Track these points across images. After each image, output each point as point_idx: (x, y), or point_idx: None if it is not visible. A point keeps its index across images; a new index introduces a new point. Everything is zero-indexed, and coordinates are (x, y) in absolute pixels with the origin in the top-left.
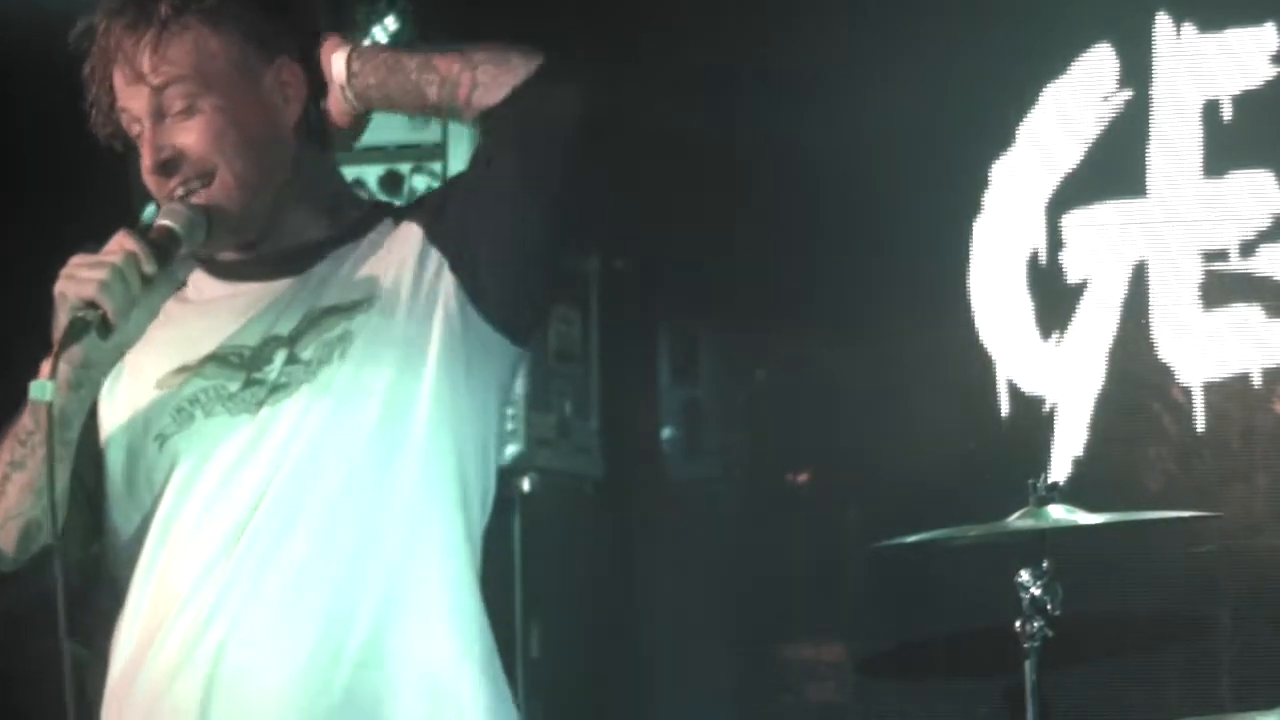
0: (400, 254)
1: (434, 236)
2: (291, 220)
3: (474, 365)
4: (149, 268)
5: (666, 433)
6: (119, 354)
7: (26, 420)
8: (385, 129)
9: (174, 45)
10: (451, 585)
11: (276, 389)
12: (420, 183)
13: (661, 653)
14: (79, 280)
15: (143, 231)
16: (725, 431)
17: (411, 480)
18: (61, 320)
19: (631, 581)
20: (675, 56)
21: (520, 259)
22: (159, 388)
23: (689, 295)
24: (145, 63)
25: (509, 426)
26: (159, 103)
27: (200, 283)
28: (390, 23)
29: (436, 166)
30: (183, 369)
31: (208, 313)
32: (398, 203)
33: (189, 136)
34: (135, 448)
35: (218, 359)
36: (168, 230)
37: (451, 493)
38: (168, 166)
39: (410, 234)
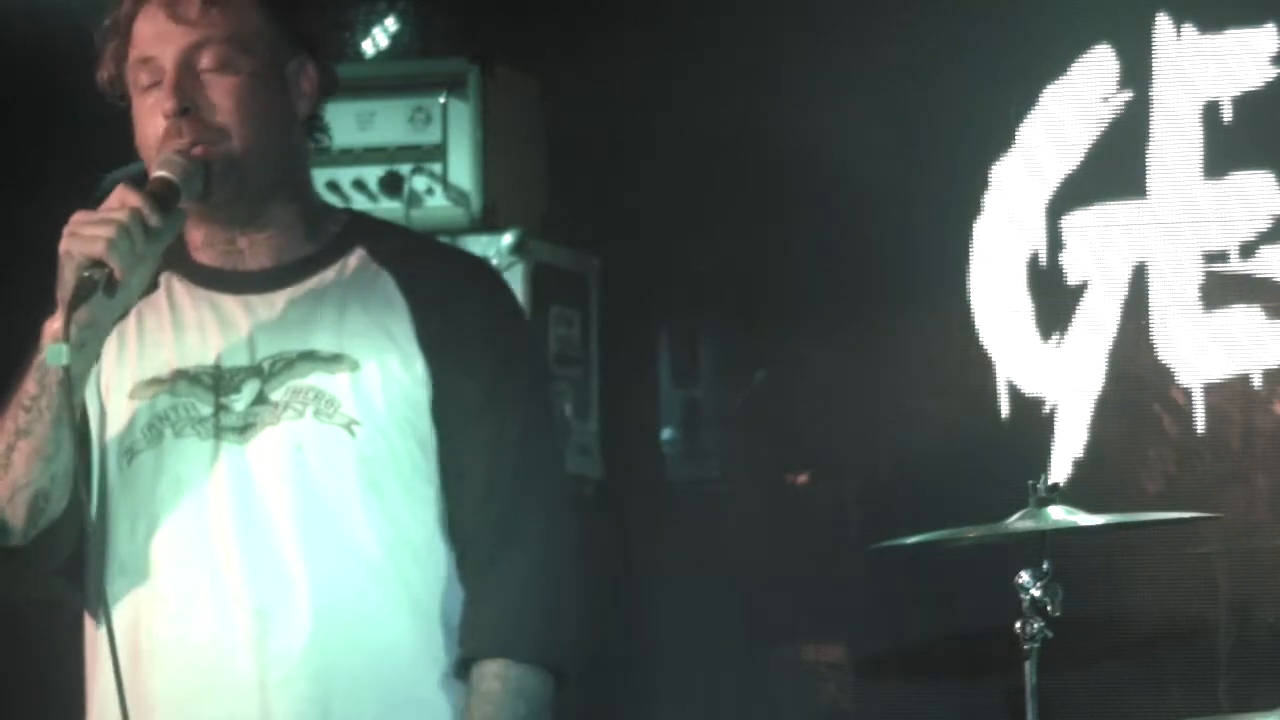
0: (385, 329)
1: (428, 353)
2: (279, 219)
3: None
4: (154, 220)
5: (666, 433)
6: (121, 311)
7: (30, 386)
8: (385, 129)
9: (224, 4)
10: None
11: (245, 428)
12: (420, 183)
13: (661, 653)
14: (85, 239)
15: (140, 184)
16: (725, 432)
17: (380, 539)
18: (68, 279)
19: (631, 582)
20: (675, 58)
21: None
22: (132, 398)
23: (689, 295)
24: (192, 10)
25: None
26: (193, 54)
27: (175, 288)
28: (390, 24)
29: (436, 167)
30: (155, 381)
31: (182, 324)
32: (396, 203)
33: (215, 93)
34: (105, 461)
35: (189, 377)
36: (165, 181)
37: (427, 549)
38: (187, 113)
39: (396, 317)
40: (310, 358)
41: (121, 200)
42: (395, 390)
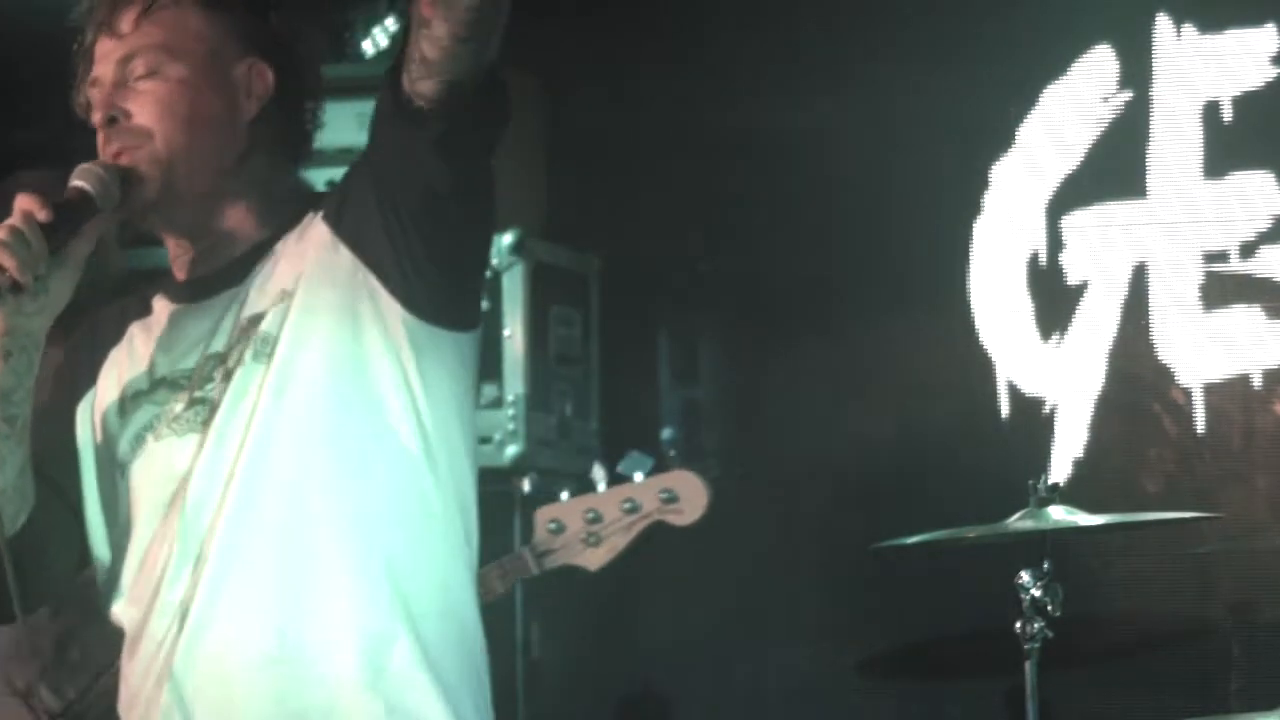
0: (314, 249)
1: (340, 230)
2: (229, 219)
3: (419, 358)
4: (43, 215)
5: (666, 433)
6: (47, 319)
7: None
8: None
9: (158, 15)
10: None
11: (218, 406)
12: None
13: (661, 653)
14: None
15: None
16: (725, 431)
17: (366, 481)
18: None
19: (632, 581)
20: (675, 58)
21: (432, 245)
22: (120, 414)
23: (689, 295)
24: (126, 24)
25: (509, 427)
26: (125, 66)
27: (159, 306)
28: (390, 24)
29: None
30: (138, 394)
31: (160, 336)
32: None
33: (139, 101)
34: (105, 478)
35: (167, 383)
36: (77, 189)
37: (417, 491)
38: (111, 123)
39: (319, 227)
40: (256, 319)
41: (16, 204)
42: (339, 304)
